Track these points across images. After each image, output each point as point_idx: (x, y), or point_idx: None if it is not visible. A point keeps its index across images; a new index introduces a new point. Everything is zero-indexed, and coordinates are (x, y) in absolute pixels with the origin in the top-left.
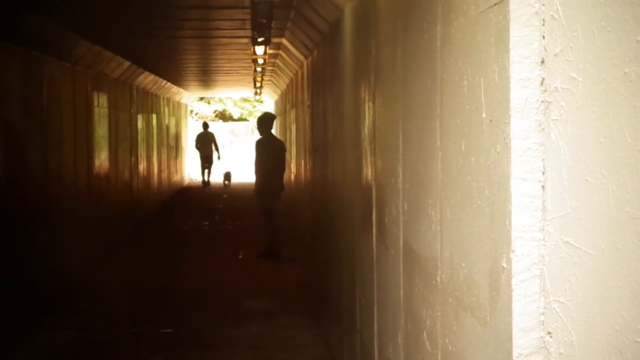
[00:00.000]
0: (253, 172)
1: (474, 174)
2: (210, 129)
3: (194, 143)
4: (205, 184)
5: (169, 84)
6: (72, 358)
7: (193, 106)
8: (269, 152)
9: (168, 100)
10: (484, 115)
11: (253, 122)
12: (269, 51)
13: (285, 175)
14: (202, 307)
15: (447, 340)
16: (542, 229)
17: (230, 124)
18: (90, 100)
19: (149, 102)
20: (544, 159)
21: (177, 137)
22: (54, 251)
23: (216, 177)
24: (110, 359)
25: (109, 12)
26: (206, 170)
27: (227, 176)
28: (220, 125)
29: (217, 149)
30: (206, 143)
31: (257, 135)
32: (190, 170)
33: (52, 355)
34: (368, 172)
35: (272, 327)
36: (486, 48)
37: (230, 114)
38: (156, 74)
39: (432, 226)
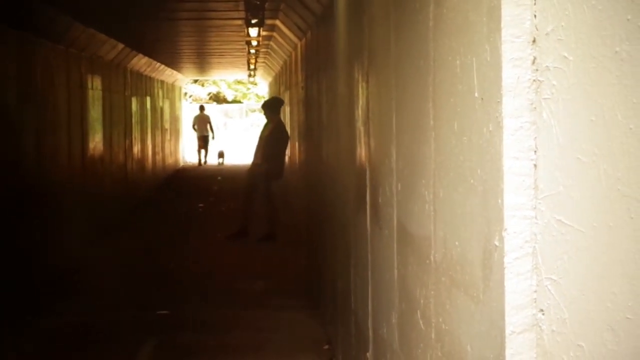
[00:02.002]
0: (253, 154)
1: (466, 153)
2: (206, 111)
3: (191, 124)
4: (201, 163)
5: (163, 66)
6: (66, 341)
7: (187, 88)
8: (275, 138)
9: (162, 82)
10: (476, 95)
11: (247, 104)
12: (263, 33)
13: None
14: (197, 289)
15: (440, 319)
16: (534, 207)
17: (224, 106)
18: (84, 83)
19: (143, 85)
20: (535, 137)
21: (172, 120)
22: (49, 234)
23: (212, 158)
24: (106, 342)
25: None
26: (202, 150)
27: (221, 154)
28: (214, 108)
29: (212, 130)
30: (202, 124)
31: (251, 118)
32: (184, 152)
33: (46, 339)
34: (362, 152)
35: (268, 308)
36: (478, 27)
37: (224, 96)
38: (150, 56)
39: (426, 206)
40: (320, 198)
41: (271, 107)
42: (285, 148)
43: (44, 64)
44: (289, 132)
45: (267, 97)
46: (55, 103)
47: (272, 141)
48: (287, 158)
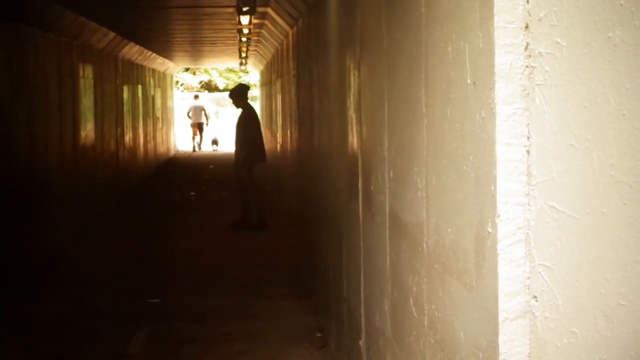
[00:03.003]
0: (234, 144)
1: (459, 139)
2: (200, 100)
3: (185, 112)
4: (196, 149)
5: (154, 55)
6: (57, 330)
7: (179, 77)
8: (247, 123)
9: (153, 71)
10: (468, 81)
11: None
12: (255, 21)
13: (272, 145)
14: (189, 277)
15: (433, 306)
16: (527, 194)
17: (215, 94)
18: (75, 72)
19: (135, 73)
20: (528, 124)
21: (163, 108)
22: (41, 223)
23: (205, 145)
24: (97, 331)
25: None
26: (197, 137)
27: (215, 141)
28: (205, 96)
29: (207, 117)
30: (197, 112)
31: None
32: (177, 140)
33: (37, 327)
34: (354, 140)
35: (259, 297)
36: (471, 14)
37: (215, 84)
38: (142, 44)
39: (418, 193)
40: (312, 186)
41: (238, 94)
42: (258, 131)
43: (35, 53)
44: (279, 120)
45: (237, 84)
46: (47, 91)
47: (244, 127)
48: (278, 146)
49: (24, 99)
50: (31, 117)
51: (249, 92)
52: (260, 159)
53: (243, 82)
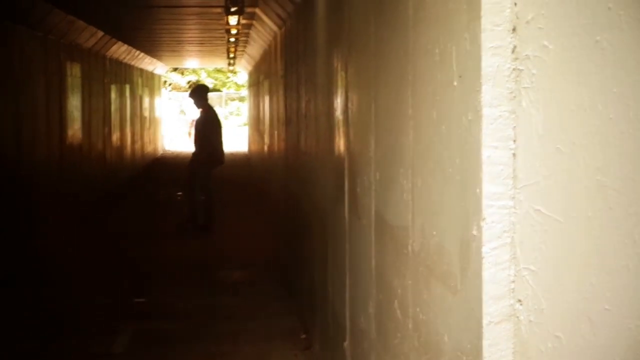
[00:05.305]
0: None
1: (445, 142)
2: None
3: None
4: None
5: (142, 54)
6: (41, 331)
7: (167, 77)
8: (206, 126)
9: (142, 70)
10: (455, 84)
11: (226, 92)
12: (243, 21)
13: (259, 146)
14: (174, 277)
15: (418, 309)
16: (513, 197)
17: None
18: (63, 70)
19: (123, 73)
20: (515, 127)
21: (151, 108)
22: (26, 222)
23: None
24: (82, 331)
25: None
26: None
27: None
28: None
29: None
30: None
31: (231, 107)
32: (164, 140)
33: (23, 328)
34: (341, 142)
35: (244, 297)
36: (458, 16)
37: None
38: (130, 44)
39: (404, 195)
40: (299, 188)
41: (199, 94)
42: (219, 133)
43: (21, 51)
44: (267, 121)
45: (197, 84)
46: (34, 91)
47: (205, 129)
48: (265, 147)
49: (10, 98)
50: (17, 115)
51: (208, 93)
52: (220, 161)
53: (202, 83)
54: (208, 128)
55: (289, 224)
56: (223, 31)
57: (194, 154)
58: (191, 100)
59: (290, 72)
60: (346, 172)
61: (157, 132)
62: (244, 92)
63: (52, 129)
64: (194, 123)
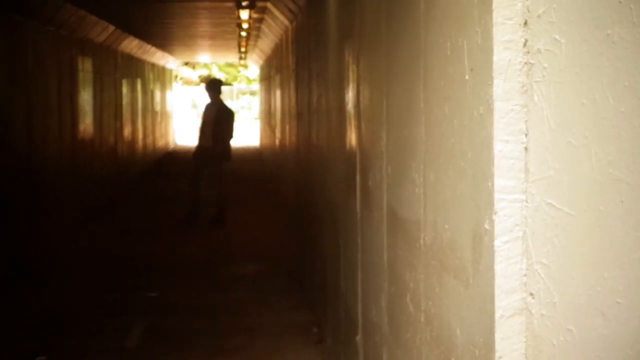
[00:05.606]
0: (198, 137)
1: (457, 136)
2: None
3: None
4: None
5: (153, 48)
6: (53, 325)
7: (178, 71)
8: (224, 119)
9: (153, 65)
10: (467, 78)
11: (238, 86)
12: (254, 15)
13: (270, 140)
14: (185, 272)
15: (430, 303)
16: (525, 191)
17: None
18: (74, 65)
19: (134, 67)
20: (526, 120)
21: (162, 102)
22: (38, 217)
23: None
24: (92, 326)
25: None
26: None
27: None
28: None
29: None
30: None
31: (242, 101)
32: (175, 135)
33: (32, 322)
34: (352, 136)
35: (256, 292)
36: (469, 10)
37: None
38: (141, 38)
39: (416, 189)
40: (311, 181)
41: (214, 88)
42: (233, 129)
43: (33, 46)
44: (278, 115)
45: (213, 78)
46: (46, 85)
47: (222, 122)
48: (276, 141)
49: (22, 93)
50: (30, 110)
51: (221, 86)
52: (229, 157)
53: (216, 77)
54: (228, 124)
55: (301, 217)
56: (234, 25)
57: (202, 147)
58: (206, 93)
59: (302, 66)
60: (358, 166)
61: (169, 126)
62: (255, 86)
63: (64, 123)
64: (203, 116)
